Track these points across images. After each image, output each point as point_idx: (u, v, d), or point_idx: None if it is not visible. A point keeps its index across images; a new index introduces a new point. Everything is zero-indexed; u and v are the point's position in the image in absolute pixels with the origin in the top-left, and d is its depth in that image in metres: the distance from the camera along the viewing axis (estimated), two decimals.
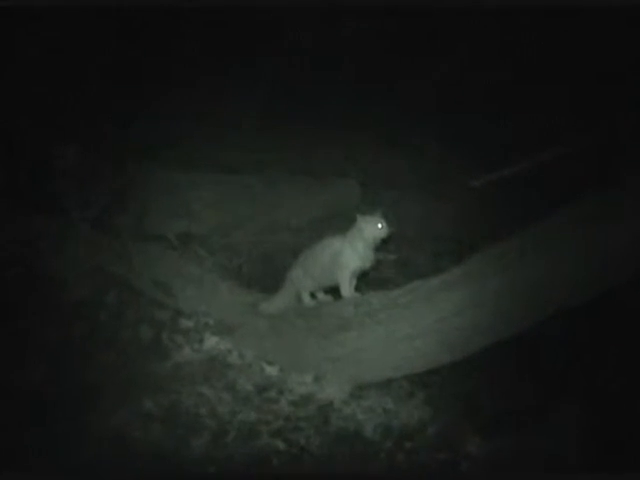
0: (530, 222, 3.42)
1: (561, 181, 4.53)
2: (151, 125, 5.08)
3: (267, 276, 3.96)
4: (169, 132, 5.10)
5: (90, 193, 4.17)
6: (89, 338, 3.60)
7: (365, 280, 3.66)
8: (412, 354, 3.38)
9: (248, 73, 5.53)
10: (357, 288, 3.64)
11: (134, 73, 5.21)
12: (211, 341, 3.69)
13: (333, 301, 3.69)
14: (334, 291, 3.68)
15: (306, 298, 3.67)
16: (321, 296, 3.75)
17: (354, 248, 3.48)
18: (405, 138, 5.58)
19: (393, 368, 3.45)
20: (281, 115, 5.45)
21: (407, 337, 3.36)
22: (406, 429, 3.27)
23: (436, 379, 3.58)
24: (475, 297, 3.29)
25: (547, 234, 3.34)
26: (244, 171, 4.92)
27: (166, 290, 3.84)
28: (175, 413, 3.26)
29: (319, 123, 5.45)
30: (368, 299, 3.52)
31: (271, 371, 3.57)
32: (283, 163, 5.19)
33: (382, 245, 3.59)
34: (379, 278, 3.74)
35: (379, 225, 3.46)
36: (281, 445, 3.13)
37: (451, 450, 3.16)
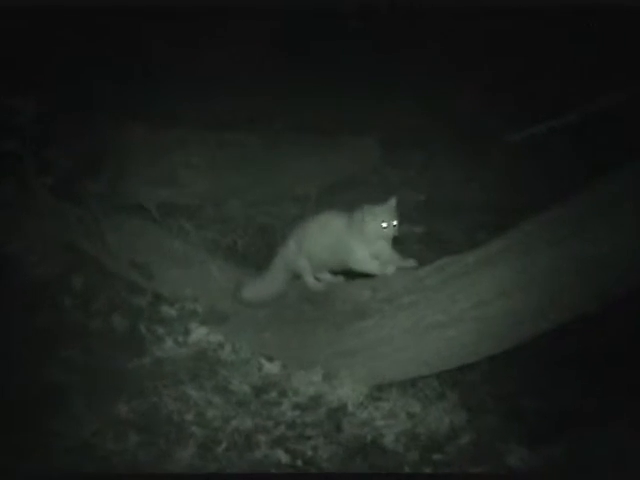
0: (586, 185, 3.35)
1: (619, 134, 4.48)
2: (127, 75, 5.06)
3: (266, 254, 3.89)
4: (148, 82, 5.06)
5: (52, 154, 4.12)
6: (52, 328, 3.58)
7: None
8: (443, 346, 3.35)
9: (245, 13, 5.48)
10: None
11: (108, 18, 5.14)
12: (199, 332, 3.67)
13: (345, 282, 3.66)
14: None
15: (310, 280, 3.63)
16: (328, 277, 3.69)
17: (361, 240, 3.48)
18: (433, 89, 5.52)
19: (419, 364, 3.41)
20: (283, 59, 5.43)
21: (437, 326, 3.32)
22: (435, 438, 3.24)
23: (472, 377, 3.56)
24: (520, 277, 3.23)
25: (610, 198, 3.25)
26: (239, 128, 4.88)
27: (144, 271, 3.81)
28: (155, 419, 3.25)
29: (330, 69, 5.40)
30: (388, 280, 3.48)
31: (271, 368, 3.55)
32: (286, 118, 5.15)
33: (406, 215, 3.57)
34: (402, 254, 3.66)
35: (383, 224, 3.43)
36: (283, 457, 3.11)
37: (489, 463, 3.12)
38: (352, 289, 3.57)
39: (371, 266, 3.50)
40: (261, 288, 3.67)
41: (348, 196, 4.58)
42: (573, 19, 4.92)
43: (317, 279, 3.66)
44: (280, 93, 5.33)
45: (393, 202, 3.47)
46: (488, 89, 5.33)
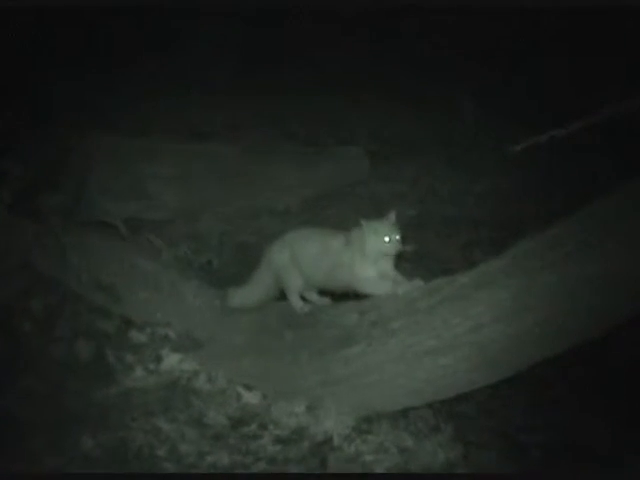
0: (591, 198, 3.37)
1: (624, 145, 4.55)
2: (91, 82, 5.11)
3: (245, 273, 3.92)
4: (114, 89, 5.12)
5: (7, 165, 4.14)
6: (9, 356, 3.59)
7: None
8: (436, 375, 3.35)
9: (220, 19, 5.55)
10: None
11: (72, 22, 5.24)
12: (171, 360, 3.69)
13: (330, 305, 3.71)
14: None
15: (295, 300, 3.68)
16: (315, 297, 3.74)
17: (363, 260, 3.52)
18: (430, 95, 5.60)
19: (411, 393, 3.42)
20: (263, 63, 5.53)
21: (429, 352, 3.33)
22: (428, 474, 3.24)
23: (468, 408, 3.57)
24: (519, 299, 3.25)
25: (617, 213, 3.29)
26: (214, 137, 4.95)
27: (111, 293, 3.82)
28: (124, 454, 3.24)
29: (314, 74, 5.52)
30: (377, 303, 3.50)
31: (250, 399, 3.57)
32: (267, 127, 5.20)
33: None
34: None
35: (386, 238, 3.46)
36: None
37: None
38: (337, 312, 3.59)
39: (380, 286, 3.53)
40: (247, 293, 3.75)
41: (333, 210, 4.65)
42: (577, 24, 4.99)
43: (303, 299, 3.70)
44: (259, 99, 5.38)
45: (392, 216, 3.51)
46: (485, 97, 5.44)
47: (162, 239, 4.33)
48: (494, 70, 5.49)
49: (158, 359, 3.69)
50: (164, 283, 3.87)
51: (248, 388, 3.59)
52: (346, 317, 3.54)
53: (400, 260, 3.59)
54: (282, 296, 3.75)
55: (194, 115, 5.23)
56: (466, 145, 5.35)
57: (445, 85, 5.59)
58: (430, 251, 4.48)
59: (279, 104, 5.43)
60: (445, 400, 3.46)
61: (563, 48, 5.32)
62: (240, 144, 4.85)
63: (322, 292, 3.73)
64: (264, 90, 5.43)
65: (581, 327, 3.28)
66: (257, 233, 4.48)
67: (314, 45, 5.64)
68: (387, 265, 3.53)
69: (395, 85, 5.64)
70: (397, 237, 3.47)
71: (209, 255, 4.38)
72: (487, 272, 3.38)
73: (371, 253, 3.47)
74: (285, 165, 4.87)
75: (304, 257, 3.64)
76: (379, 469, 3.26)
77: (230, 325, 3.77)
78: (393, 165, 5.11)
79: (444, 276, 3.49)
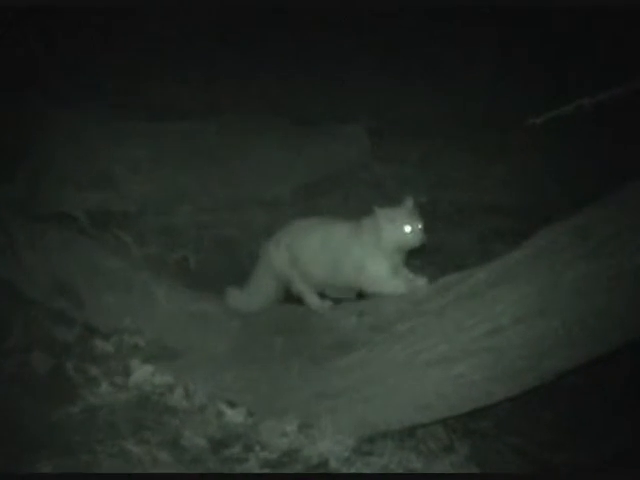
0: (626, 181, 3.32)
1: None
2: (50, 57, 5.08)
3: (227, 273, 3.97)
4: (76, 63, 5.08)
5: None
6: None
7: None
8: (448, 386, 3.32)
9: None
10: None
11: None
12: (142, 372, 3.67)
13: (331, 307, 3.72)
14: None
15: (313, 300, 3.71)
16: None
17: (375, 254, 3.50)
18: (441, 65, 5.57)
19: (419, 408, 3.39)
20: (249, 29, 5.48)
21: (440, 360, 3.30)
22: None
23: (486, 425, 3.58)
24: (544, 298, 3.21)
25: None
26: (191, 116, 4.89)
27: (71, 297, 3.81)
28: None
29: (306, 42, 5.45)
30: (378, 303, 3.50)
31: (234, 416, 3.55)
32: (252, 103, 5.17)
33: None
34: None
35: (406, 228, 3.43)
36: None
37: None
38: (333, 315, 3.59)
39: (394, 286, 3.52)
40: (248, 298, 3.81)
41: (329, 199, 4.64)
42: None
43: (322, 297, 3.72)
44: (241, 71, 5.36)
45: (410, 203, 3.50)
46: (505, 65, 5.43)
47: (131, 234, 4.33)
48: (516, 35, 5.45)
49: (127, 372, 3.67)
50: (133, 284, 3.87)
51: (231, 404, 3.58)
52: (343, 320, 3.55)
53: (408, 256, 3.60)
54: (289, 297, 3.80)
55: (167, 92, 5.22)
56: (483, 121, 5.33)
57: (458, 54, 5.60)
58: (442, 244, 4.46)
59: (264, 76, 5.42)
60: (459, 416, 3.45)
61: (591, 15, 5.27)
62: (222, 124, 4.85)
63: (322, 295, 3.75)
64: (246, 61, 5.42)
65: (618, 328, 3.24)
66: (241, 226, 4.49)
67: (305, 17, 5.59)
68: (400, 261, 3.53)
69: (401, 54, 5.64)
70: (419, 226, 3.45)
71: (185, 252, 4.37)
72: (507, 266, 3.36)
73: (388, 245, 3.46)
74: (273, 147, 4.86)
75: (304, 253, 3.66)
76: None
77: (210, 331, 3.77)
78: (399, 146, 5.11)
79: (457, 272, 3.48)
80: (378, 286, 3.52)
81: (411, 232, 3.44)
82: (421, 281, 3.51)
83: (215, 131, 4.79)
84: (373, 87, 5.47)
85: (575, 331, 3.21)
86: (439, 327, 3.34)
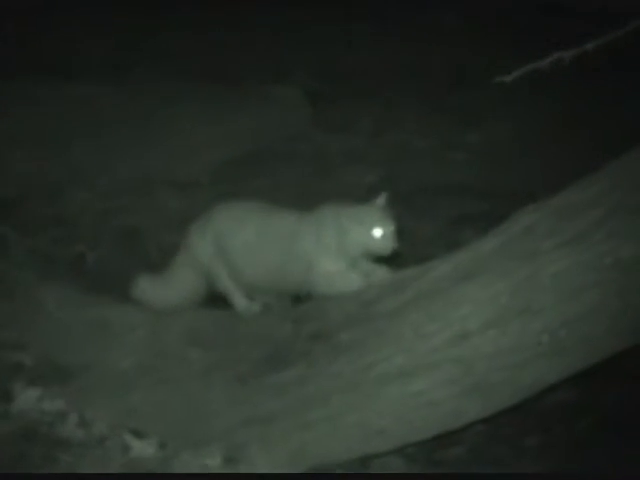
0: (625, 146, 3.28)
1: None
2: None
3: (132, 273, 3.94)
4: None
5: None
6: None
7: None
8: (407, 406, 3.30)
9: None
10: None
11: None
12: (27, 397, 3.60)
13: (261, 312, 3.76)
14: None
15: (239, 300, 3.77)
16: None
17: (330, 253, 3.56)
18: (396, 11, 5.75)
19: (372, 434, 3.37)
20: None
21: (396, 374, 3.27)
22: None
23: (455, 453, 3.60)
24: (520, 295, 3.18)
25: None
26: (87, 78, 4.92)
27: None
28: None
29: None
30: (319, 306, 3.50)
31: (143, 449, 3.49)
32: (161, 61, 5.23)
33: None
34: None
35: (376, 232, 3.48)
36: None
37: None
38: (263, 321, 3.64)
39: (347, 282, 3.55)
40: (160, 290, 3.89)
41: (263, 180, 4.61)
42: None
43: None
44: (149, 22, 5.45)
45: (382, 199, 3.54)
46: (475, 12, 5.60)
47: (11, 225, 4.32)
48: None
49: (8, 397, 3.60)
50: (15, 288, 3.84)
51: (138, 434, 3.52)
52: (276, 327, 3.54)
53: None
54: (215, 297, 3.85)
55: (60, 46, 5.25)
56: (449, 81, 5.43)
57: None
58: (400, 231, 4.46)
59: (176, 28, 5.46)
60: (421, 442, 3.44)
61: None
62: (123, 86, 4.89)
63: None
64: (155, 10, 5.46)
65: (613, 333, 3.23)
66: (149, 214, 4.51)
67: None
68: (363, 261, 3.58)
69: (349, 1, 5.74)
70: (392, 229, 3.49)
71: (81, 247, 4.36)
72: (476, 257, 3.35)
73: (352, 250, 3.53)
74: (189, 114, 4.90)
75: (235, 245, 3.69)
76: None
77: (112, 345, 3.72)
78: (346, 111, 5.17)
79: (416, 265, 3.49)
80: (328, 285, 3.56)
81: (382, 237, 3.47)
82: (381, 271, 3.56)
83: (118, 97, 4.83)
84: (312, 37, 5.49)
85: (560, 336, 3.18)
86: (394, 334, 3.31)
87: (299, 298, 3.69)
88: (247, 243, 3.66)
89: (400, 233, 4.40)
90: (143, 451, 3.49)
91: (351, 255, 3.52)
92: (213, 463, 3.41)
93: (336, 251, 3.53)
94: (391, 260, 4.01)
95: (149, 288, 3.88)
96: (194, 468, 3.41)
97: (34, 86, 4.75)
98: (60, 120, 4.68)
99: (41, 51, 5.16)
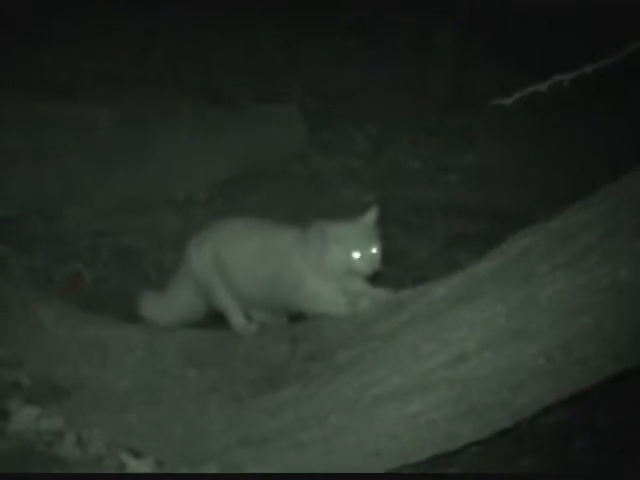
0: (621, 169, 3.30)
1: None
2: None
3: (129, 291, 3.97)
4: None
5: None
6: None
7: None
8: (404, 427, 3.29)
9: None
10: None
11: None
12: (24, 416, 3.58)
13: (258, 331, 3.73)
14: None
15: (236, 318, 3.75)
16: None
17: (317, 271, 3.54)
18: (395, 31, 5.66)
19: (368, 455, 3.35)
20: None
21: (392, 395, 3.27)
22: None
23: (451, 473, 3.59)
24: (517, 317, 3.19)
25: None
26: (86, 96, 4.94)
27: None
28: None
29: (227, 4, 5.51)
30: (316, 326, 3.51)
31: (139, 468, 3.48)
32: (156, 79, 5.25)
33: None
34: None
35: (354, 254, 3.44)
36: None
37: None
38: (261, 341, 3.61)
39: (333, 305, 3.54)
40: (162, 307, 3.91)
41: (257, 197, 4.66)
42: None
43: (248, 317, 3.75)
44: (142, 40, 5.45)
45: (372, 215, 3.50)
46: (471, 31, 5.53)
47: (8, 243, 4.30)
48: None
49: (5, 415, 3.58)
50: (12, 306, 3.81)
51: (135, 453, 3.51)
52: (272, 348, 3.55)
53: None
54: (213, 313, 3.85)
55: (57, 65, 5.24)
56: (446, 101, 5.42)
57: (416, 17, 5.72)
58: (395, 253, 4.43)
59: (172, 46, 5.45)
60: (417, 464, 3.42)
61: None
62: (119, 105, 4.89)
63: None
64: (152, 29, 5.48)
65: (609, 356, 3.22)
66: (146, 233, 4.51)
67: None
68: (353, 279, 3.54)
69: (345, 18, 5.75)
70: (374, 250, 3.45)
71: (78, 265, 4.34)
72: (473, 280, 3.36)
73: (333, 269, 3.49)
74: (187, 133, 4.91)
75: (235, 261, 3.69)
76: None
77: (109, 364, 3.71)
78: (341, 130, 5.18)
79: (412, 287, 3.54)
80: (313, 304, 3.56)
81: (360, 259, 3.44)
82: (375, 291, 3.53)
83: (115, 115, 4.83)
84: (308, 57, 5.53)
85: (556, 358, 3.18)
86: (390, 355, 3.31)
87: (296, 316, 3.69)
88: (246, 258, 3.65)
89: (395, 253, 4.45)
90: (139, 470, 3.48)
91: (335, 274, 3.50)
92: None
93: (324, 269, 3.52)
94: (384, 279, 4.04)
95: (153, 305, 3.90)
96: None
97: (29, 105, 4.76)
98: (57, 138, 4.68)
99: (39, 69, 5.16)
